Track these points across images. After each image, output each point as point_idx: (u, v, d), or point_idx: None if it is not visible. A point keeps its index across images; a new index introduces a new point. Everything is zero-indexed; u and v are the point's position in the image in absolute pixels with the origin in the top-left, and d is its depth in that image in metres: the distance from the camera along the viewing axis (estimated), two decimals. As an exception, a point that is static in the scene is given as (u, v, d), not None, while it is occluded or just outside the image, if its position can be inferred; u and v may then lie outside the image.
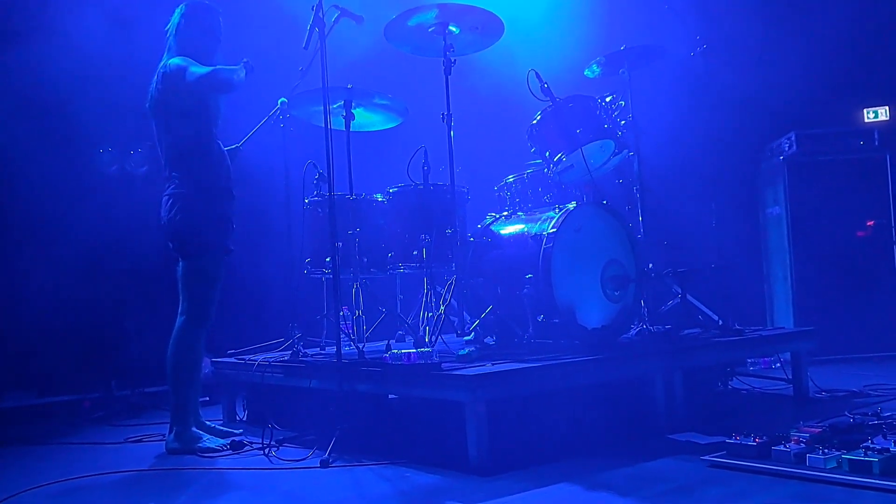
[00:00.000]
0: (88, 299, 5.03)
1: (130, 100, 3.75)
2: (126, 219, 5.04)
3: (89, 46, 4.80)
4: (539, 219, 3.88)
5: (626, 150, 4.21)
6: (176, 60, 3.58)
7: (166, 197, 3.61)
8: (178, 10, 3.72)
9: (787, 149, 5.66)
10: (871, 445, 2.56)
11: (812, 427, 2.92)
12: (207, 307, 3.65)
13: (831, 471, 2.51)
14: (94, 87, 4.93)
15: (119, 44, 4.83)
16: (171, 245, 3.65)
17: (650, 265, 4.23)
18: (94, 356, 5.14)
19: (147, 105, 3.68)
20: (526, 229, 3.90)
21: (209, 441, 3.56)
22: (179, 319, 3.63)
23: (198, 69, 3.50)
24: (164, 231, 3.64)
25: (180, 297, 3.65)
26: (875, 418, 3.08)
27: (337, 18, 3.88)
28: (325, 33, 3.63)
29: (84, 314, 5.05)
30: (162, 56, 3.70)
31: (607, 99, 4.15)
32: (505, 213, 4.22)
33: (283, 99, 4.16)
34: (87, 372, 5.13)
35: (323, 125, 3.56)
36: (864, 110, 5.91)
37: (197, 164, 3.60)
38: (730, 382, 4.41)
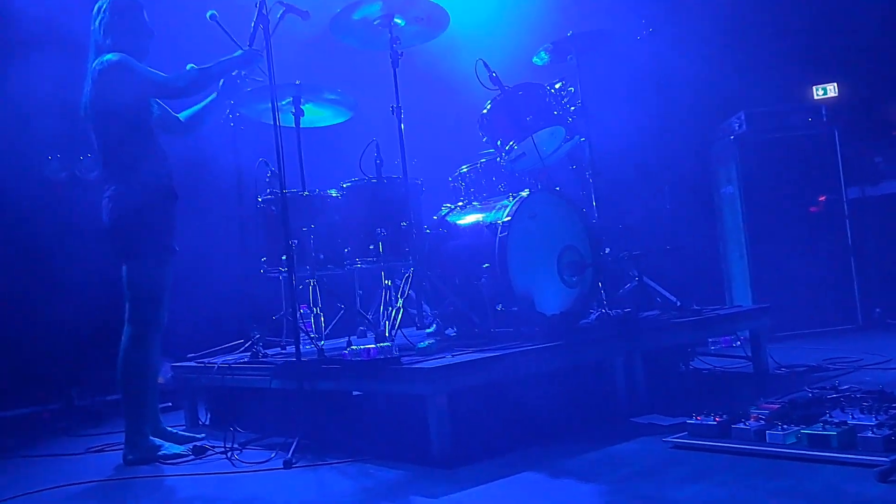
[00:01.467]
0: (44, 308, 4.92)
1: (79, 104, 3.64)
2: (79, 224, 4.91)
3: (37, 51, 4.67)
4: (494, 207, 3.87)
5: (577, 136, 4.22)
6: (110, 57, 3.45)
7: (106, 199, 3.50)
8: (98, 5, 3.58)
9: (737, 128, 5.73)
10: (830, 419, 2.60)
11: (772, 403, 2.95)
12: (155, 312, 3.52)
13: (791, 446, 2.53)
14: (42, 92, 4.80)
15: (65, 47, 4.70)
16: (113, 248, 3.51)
17: (607, 249, 4.24)
18: (52, 366, 5.01)
19: (81, 108, 3.56)
20: (481, 219, 3.89)
21: (170, 448, 3.49)
22: (126, 328, 3.50)
23: (177, 80, 3.50)
24: (106, 234, 3.52)
25: (126, 305, 3.53)
26: (833, 392, 3.11)
27: (282, 15, 3.82)
28: (271, 30, 3.57)
29: (40, 323, 4.93)
30: (89, 55, 3.57)
31: (556, 86, 4.14)
32: (460, 204, 4.21)
33: (212, 12, 3.75)
34: (46, 383, 5.03)
35: (272, 122, 3.51)
36: (814, 87, 6.01)
37: (137, 162, 3.49)
38: (691, 363, 4.44)
